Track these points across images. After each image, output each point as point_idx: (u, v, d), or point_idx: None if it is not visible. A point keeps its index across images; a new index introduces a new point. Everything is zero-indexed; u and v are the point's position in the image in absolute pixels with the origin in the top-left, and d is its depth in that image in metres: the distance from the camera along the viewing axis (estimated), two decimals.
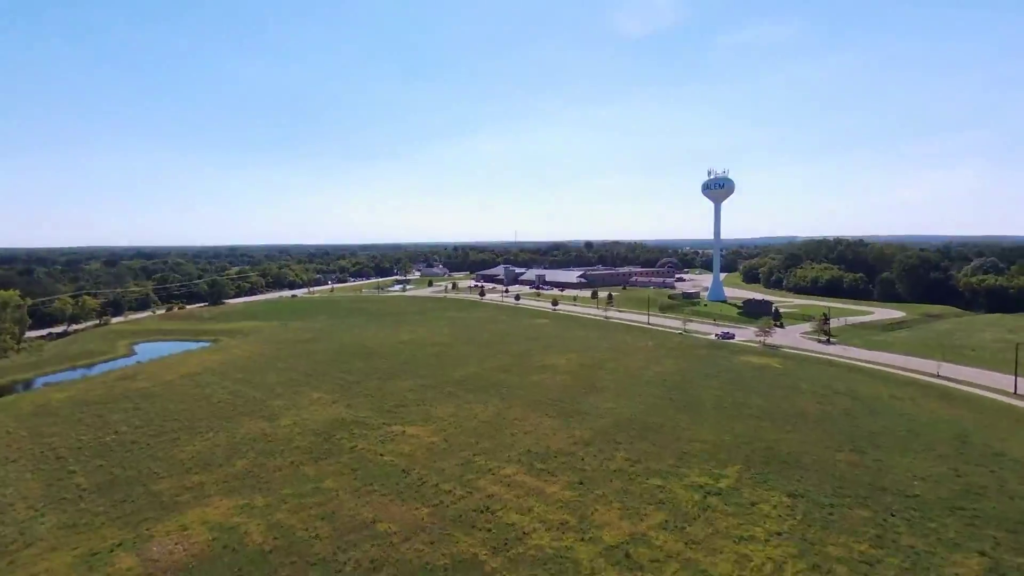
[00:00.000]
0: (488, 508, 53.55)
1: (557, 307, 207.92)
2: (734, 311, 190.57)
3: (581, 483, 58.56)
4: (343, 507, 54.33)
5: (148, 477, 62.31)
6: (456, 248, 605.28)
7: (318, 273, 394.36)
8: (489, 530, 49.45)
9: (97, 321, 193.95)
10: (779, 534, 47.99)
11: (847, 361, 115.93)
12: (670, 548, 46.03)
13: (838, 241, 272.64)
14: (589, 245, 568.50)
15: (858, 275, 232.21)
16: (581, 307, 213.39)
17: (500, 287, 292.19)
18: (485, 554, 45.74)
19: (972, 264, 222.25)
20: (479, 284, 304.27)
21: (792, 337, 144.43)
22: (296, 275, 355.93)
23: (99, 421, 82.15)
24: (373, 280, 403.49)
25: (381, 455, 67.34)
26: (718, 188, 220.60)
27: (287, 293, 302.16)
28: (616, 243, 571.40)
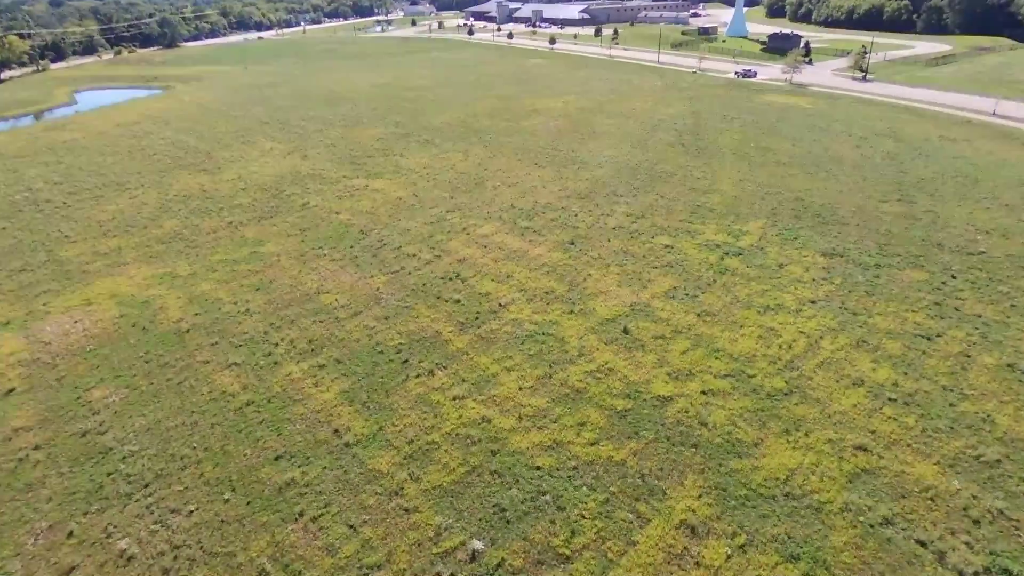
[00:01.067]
0: (458, 275, 44.10)
1: (555, 46, 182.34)
2: (757, 47, 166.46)
3: (572, 243, 48.51)
4: (283, 275, 44.91)
5: (56, 242, 52.21)
6: None
7: (288, 13, 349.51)
8: (458, 301, 40.40)
9: (34, 67, 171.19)
10: (813, 302, 38.89)
11: (887, 100, 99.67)
12: (678, 321, 37.18)
13: None
14: None
15: (902, 3, 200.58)
16: (582, 45, 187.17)
17: (492, 26, 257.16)
18: (450, 331, 37.08)
19: None
20: (468, 23, 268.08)
21: (824, 75, 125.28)
22: (263, 15, 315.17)
23: (12, 177, 70.16)
24: (351, 21, 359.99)
25: (337, 213, 56.59)
26: None
27: (252, 35, 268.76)
28: None
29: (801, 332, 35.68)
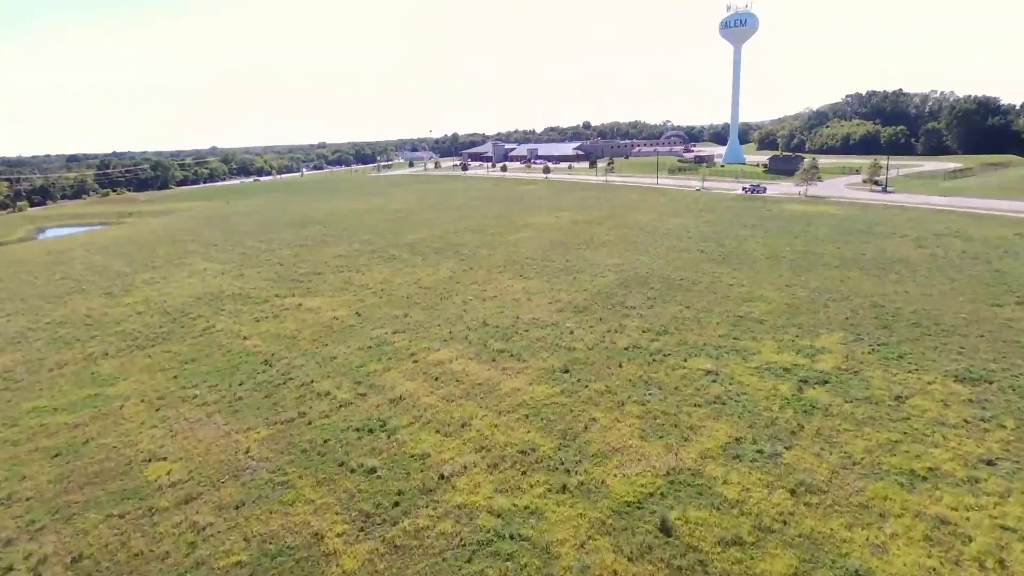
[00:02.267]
0: (385, 424, 27.75)
1: (549, 175, 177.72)
2: (758, 170, 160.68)
3: (567, 370, 32.59)
4: (111, 431, 28.57)
5: None
6: (447, 136, 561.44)
7: (291, 161, 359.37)
8: (371, 471, 23.77)
9: (9, 209, 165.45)
10: (990, 463, 22.20)
11: (924, 206, 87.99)
12: (760, 506, 20.31)
13: (871, 93, 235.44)
14: (587, 125, 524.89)
15: (898, 128, 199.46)
16: (577, 175, 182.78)
17: (487, 164, 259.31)
18: (340, 533, 20.14)
19: None
20: (463, 161, 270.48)
21: (838, 188, 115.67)
22: (265, 161, 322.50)
23: None
24: (353, 167, 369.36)
25: (244, 339, 41.19)
26: (739, 26, 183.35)
27: (249, 179, 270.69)
28: (616, 123, 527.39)
29: (1000, 526, 18.66)
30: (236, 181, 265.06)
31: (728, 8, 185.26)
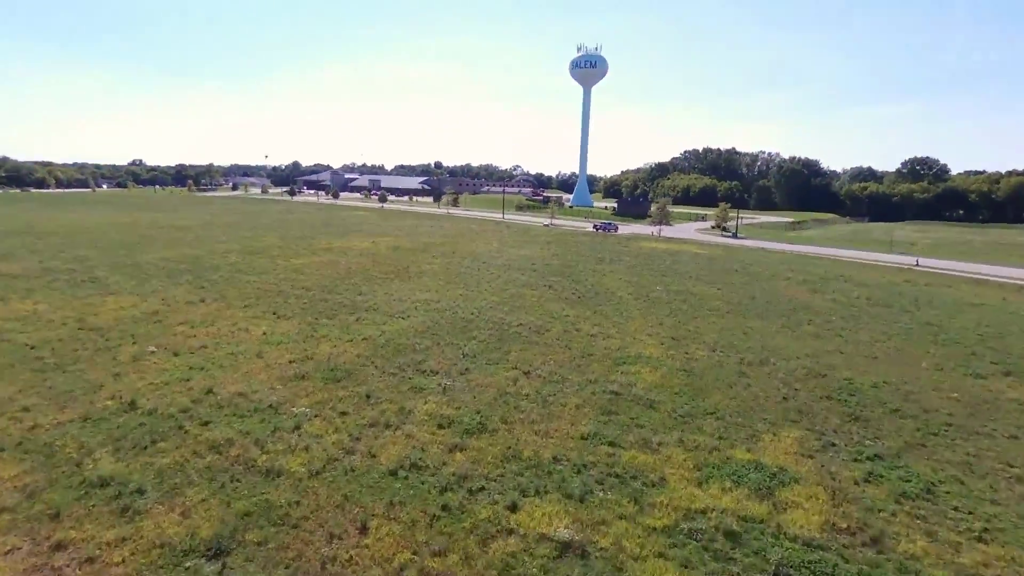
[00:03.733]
0: None
1: (385, 204, 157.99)
2: (607, 212, 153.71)
3: (221, 554, 12.60)
4: None
5: None
6: (287, 165, 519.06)
7: (83, 174, 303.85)
8: None
9: None
10: None
11: (787, 249, 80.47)
12: None
13: (707, 150, 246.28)
14: (439, 164, 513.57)
15: (733, 183, 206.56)
16: (418, 207, 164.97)
17: (322, 193, 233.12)
18: None
19: (848, 172, 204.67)
20: (291, 187, 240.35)
21: (688, 232, 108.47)
22: (48, 173, 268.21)
23: None
24: (168, 188, 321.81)
25: None
26: (588, 67, 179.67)
27: (17, 190, 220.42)
28: (468, 165, 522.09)
29: None
30: None
31: (579, 49, 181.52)
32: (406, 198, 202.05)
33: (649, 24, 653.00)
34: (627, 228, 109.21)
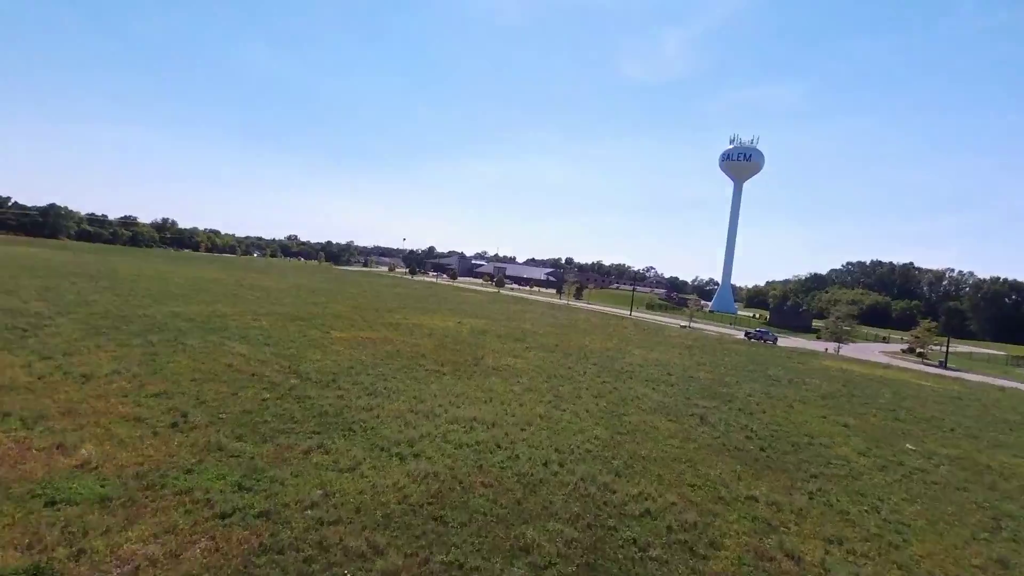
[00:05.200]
0: None
1: (502, 289, 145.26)
2: (758, 321, 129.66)
3: None
4: None
5: None
6: (423, 250, 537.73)
7: (247, 246, 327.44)
8: None
9: None
10: None
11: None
12: None
13: (877, 264, 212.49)
14: (570, 260, 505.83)
15: (912, 302, 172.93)
16: (538, 296, 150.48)
17: (445, 276, 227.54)
18: None
19: None
20: (411, 267, 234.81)
21: (872, 354, 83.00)
22: (207, 238, 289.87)
23: None
24: (314, 261, 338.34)
25: None
26: (742, 160, 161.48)
27: (172, 249, 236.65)
28: (599, 262, 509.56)
29: None
30: (159, 249, 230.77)
31: (732, 141, 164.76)
32: (528, 288, 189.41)
33: (800, 140, 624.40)
34: (784, 341, 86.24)
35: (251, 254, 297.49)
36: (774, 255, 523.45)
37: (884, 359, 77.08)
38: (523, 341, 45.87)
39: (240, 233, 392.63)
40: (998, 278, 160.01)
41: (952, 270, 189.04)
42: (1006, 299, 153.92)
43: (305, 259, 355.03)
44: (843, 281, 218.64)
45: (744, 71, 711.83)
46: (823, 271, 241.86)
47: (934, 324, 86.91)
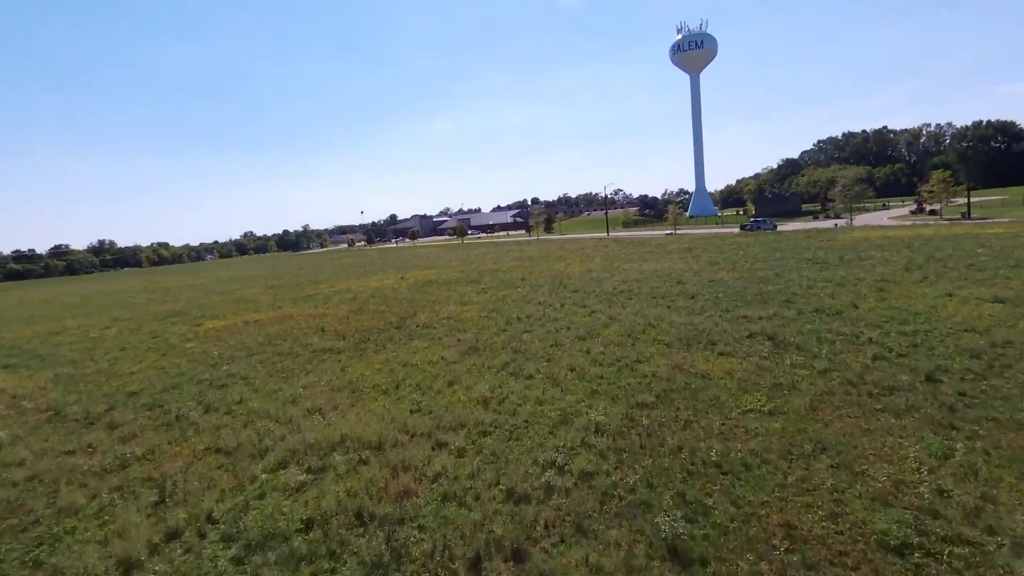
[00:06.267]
0: None
1: (466, 237, 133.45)
2: (744, 217, 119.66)
3: None
4: None
5: None
6: (384, 219, 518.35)
7: (194, 251, 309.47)
8: None
9: None
10: None
11: None
12: None
13: (850, 135, 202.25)
14: (536, 200, 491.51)
15: (896, 166, 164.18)
16: (505, 239, 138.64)
17: (407, 240, 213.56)
18: None
19: None
20: (368, 237, 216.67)
21: (882, 220, 73.39)
22: (152, 252, 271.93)
23: None
24: (264, 255, 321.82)
25: None
26: (695, 48, 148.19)
27: (113, 270, 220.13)
28: (565, 195, 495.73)
29: None
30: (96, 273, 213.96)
31: (679, 31, 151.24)
32: (495, 233, 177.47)
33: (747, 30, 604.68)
34: (786, 226, 76.24)
35: (204, 259, 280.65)
36: (740, 156, 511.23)
37: (900, 223, 67.36)
38: (478, 283, 34.64)
39: (194, 241, 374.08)
40: (980, 122, 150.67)
41: (928, 125, 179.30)
42: (992, 142, 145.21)
43: (261, 253, 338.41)
44: (816, 161, 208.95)
45: None
46: (795, 156, 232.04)
47: (948, 173, 77.24)
